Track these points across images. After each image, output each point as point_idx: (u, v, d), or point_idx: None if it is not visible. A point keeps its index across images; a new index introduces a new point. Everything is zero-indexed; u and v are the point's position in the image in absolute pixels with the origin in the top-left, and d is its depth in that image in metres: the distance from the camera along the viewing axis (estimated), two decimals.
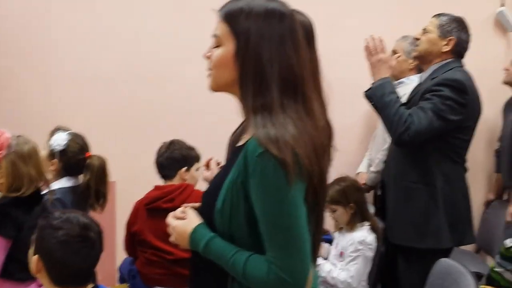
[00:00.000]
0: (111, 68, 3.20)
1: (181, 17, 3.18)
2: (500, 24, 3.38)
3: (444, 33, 2.39)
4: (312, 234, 1.19)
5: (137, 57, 3.21)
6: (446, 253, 2.37)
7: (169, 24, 3.21)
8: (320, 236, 1.27)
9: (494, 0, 3.36)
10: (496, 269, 2.72)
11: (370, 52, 2.35)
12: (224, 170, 1.24)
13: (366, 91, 2.42)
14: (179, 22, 3.19)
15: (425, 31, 2.45)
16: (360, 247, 2.40)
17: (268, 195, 1.09)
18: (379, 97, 2.31)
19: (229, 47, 1.18)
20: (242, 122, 1.27)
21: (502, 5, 3.35)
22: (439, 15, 2.46)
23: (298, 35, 1.20)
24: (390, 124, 2.29)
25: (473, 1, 3.27)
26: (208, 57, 1.23)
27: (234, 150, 1.27)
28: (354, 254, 2.40)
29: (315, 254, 1.24)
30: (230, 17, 1.18)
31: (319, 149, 1.15)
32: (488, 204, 3.41)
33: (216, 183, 1.23)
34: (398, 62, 2.79)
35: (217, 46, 1.21)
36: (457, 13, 2.51)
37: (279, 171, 1.07)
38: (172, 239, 1.29)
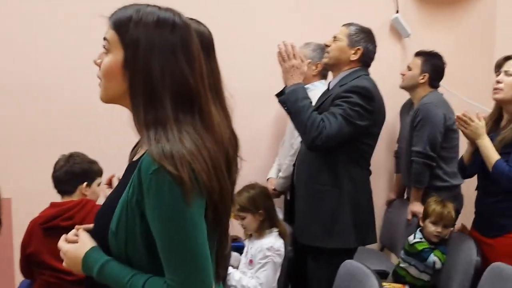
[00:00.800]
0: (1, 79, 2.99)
1: (75, 24, 3.02)
2: (396, 30, 3.54)
3: (352, 43, 2.49)
4: (215, 251, 1.15)
5: (29, 67, 3.00)
6: (352, 252, 2.47)
7: (62, 31, 3.04)
8: (225, 252, 1.23)
9: (389, 7, 3.50)
10: (401, 265, 2.82)
11: (283, 58, 2.39)
12: (118, 188, 1.17)
13: (279, 97, 2.47)
14: (74, 28, 3.03)
15: (335, 39, 2.54)
16: (268, 254, 2.40)
17: (164, 214, 1.04)
18: (292, 102, 2.36)
19: (117, 56, 1.12)
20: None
21: (397, 11, 3.50)
22: (349, 24, 2.56)
23: (193, 47, 1.15)
24: (303, 128, 2.34)
25: (369, 8, 3.39)
26: (98, 65, 1.16)
27: (128, 166, 1.21)
28: (263, 261, 2.40)
29: (219, 271, 1.20)
30: (119, 25, 1.12)
31: (218, 164, 1.11)
32: (390, 203, 3.55)
33: (109, 203, 1.16)
34: None
35: (107, 52, 1.14)
36: (354, 19, 2.62)
37: (175, 189, 1.02)
38: (64, 264, 1.21)
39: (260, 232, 2.49)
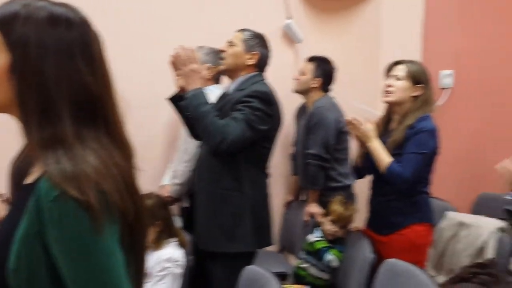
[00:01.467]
0: None
1: None
2: (288, 36, 3.60)
3: (248, 48, 2.50)
4: (133, 275, 1.03)
5: None
6: (251, 256, 2.49)
7: None
8: (143, 275, 1.13)
9: (281, 13, 3.56)
10: (302, 266, 2.86)
11: (183, 62, 2.33)
12: (12, 216, 0.98)
13: (176, 101, 2.45)
14: None
15: (230, 44, 2.52)
16: (167, 265, 2.31)
17: (71, 248, 0.88)
18: (194, 107, 2.32)
19: (2, 60, 0.94)
20: (27, 146, 1.04)
21: (289, 18, 3.56)
22: (243, 30, 2.56)
23: (94, 47, 1.00)
24: (207, 134, 2.32)
25: (261, 14, 3.42)
26: None
27: (21, 189, 1.02)
28: (162, 273, 2.31)
29: None
30: (3, 23, 0.95)
31: (131, 181, 0.98)
32: (287, 205, 3.60)
33: (4, 235, 0.97)
34: None
35: None
36: (246, 25, 2.63)
37: (82, 216, 0.87)
38: None
39: (158, 243, 2.39)
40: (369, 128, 2.53)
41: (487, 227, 3.06)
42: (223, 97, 2.59)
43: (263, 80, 2.53)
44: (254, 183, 2.47)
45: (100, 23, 1.52)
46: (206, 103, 2.33)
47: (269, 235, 2.58)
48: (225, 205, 2.43)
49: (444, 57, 3.77)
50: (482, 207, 3.69)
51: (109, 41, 1.51)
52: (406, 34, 3.64)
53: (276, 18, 3.55)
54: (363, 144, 2.61)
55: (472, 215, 3.37)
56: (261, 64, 2.55)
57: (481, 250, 3.02)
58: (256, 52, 2.51)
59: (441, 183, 3.27)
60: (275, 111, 2.45)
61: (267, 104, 2.39)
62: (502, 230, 3.06)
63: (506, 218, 2.96)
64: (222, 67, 2.60)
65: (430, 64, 3.43)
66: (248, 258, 2.44)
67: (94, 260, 0.90)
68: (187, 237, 2.56)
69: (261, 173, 2.54)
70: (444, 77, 3.78)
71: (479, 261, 2.93)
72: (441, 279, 3.03)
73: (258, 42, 2.53)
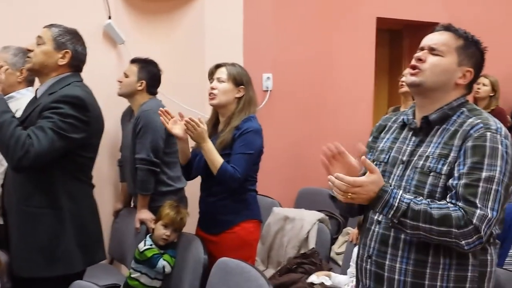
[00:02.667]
0: None
1: None
2: (110, 37, 3.45)
3: (59, 45, 2.27)
4: None
5: None
6: (80, 275, 2.29)
7: None
8: None
9: (101, 13, 3.40)
10: (133, 275, 2.78)
11: None
12: None
13: None
14: None
15: (38, 42, 2.27)
16: None
17: None
18: None
19: None
20: None
21: (109, 17, 3.42)
22: (51, 25, 2.32)
23: None
24: (6, 148, 2.05)
25: (80, 12, 3.23)
26: None
27: None
28: None
29: None
30: None
31: None
32: (117, 213, 3.47)
33: None
34: (6, 75, 2.48)
35: None
36: (63, 23, 2.41)
37: None
38: None
39: None
40: (205, 129, 2.52)
41: (309, 219, 3.31)
42: (32, 102, 2.33)
43: (77, 81, 2.31)
44: (75, 197, 2.26)
45: None
46: (4, 112, 2.07)
47: (100, 250, 2.43)
48: (39, 226, 2.19)
49: (264, 61, 3.96)
50: (303, 201, 3.98)
51: None
52: (229, 38, 3.73)
53: (96, 17, 3.37)
54: (182, 142, 2.60)
55: (296, 209, 3.60)
56: (75, 64, 2.32)
57: (305, 241, 3.25)
58: (68, 50, 2.28)
59: (267, 181, 3.43)
60: (91, 116, 2.24)
61: (81, 110, 2.18)
62: (321, 221, 3.32)
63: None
64: (27, 66, 2.31)
65: (252, 67, 3.58)
66: (76, 278, 2.22)
67: None
68: (3, 257, 2.30)
69: (83, 184, 2.34)
70: (266, 80, 3.97)
71: (303, 251, 3.16)
72: (270, 272, 3.19)
73: (69, 39, 2.30)
